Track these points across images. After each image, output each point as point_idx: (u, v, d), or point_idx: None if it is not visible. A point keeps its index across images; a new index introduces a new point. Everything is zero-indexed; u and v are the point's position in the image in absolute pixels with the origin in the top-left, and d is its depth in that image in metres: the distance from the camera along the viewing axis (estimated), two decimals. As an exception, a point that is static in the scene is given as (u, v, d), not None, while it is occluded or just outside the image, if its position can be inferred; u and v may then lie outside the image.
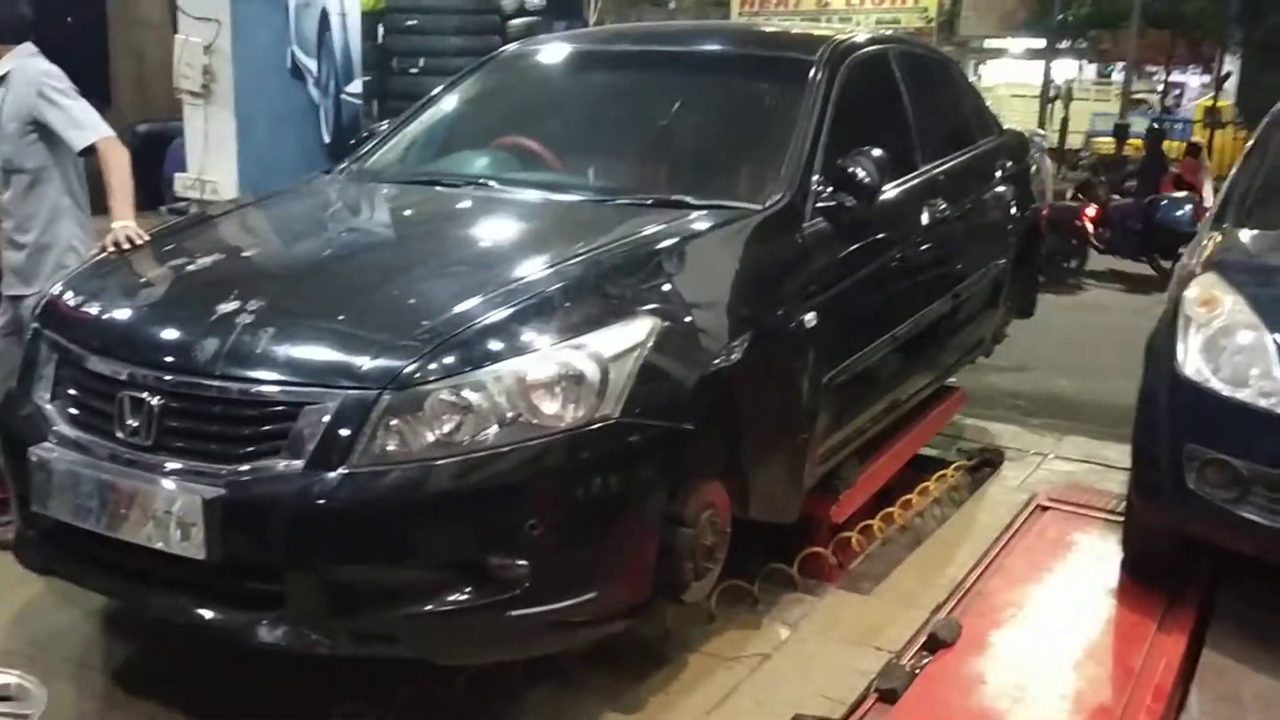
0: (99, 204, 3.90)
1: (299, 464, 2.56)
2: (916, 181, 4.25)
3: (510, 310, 2.77)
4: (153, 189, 5.19)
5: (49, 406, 2.93)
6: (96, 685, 3.17)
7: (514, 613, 2.60)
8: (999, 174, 5.09)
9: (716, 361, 2.97)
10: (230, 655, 2.78)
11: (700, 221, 3.32)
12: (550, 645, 2.88)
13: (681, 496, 2.90)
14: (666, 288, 3.03)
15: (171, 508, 2.58)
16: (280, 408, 2.62)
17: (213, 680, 3.15)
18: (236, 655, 2.68)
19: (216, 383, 2.67)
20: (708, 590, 3.19)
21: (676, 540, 2.87)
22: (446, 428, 2.57)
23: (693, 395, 2.86)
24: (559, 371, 2.66)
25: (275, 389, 2.64)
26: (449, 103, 4.39)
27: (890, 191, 3.82)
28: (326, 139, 5.24)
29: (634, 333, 2.79)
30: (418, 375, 2.60)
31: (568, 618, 2.69)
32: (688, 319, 2.98)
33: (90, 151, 3.86)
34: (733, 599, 3.53)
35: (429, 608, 2.57)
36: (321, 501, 2.53)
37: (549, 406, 2.63)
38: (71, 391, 2.93)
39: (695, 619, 3.42)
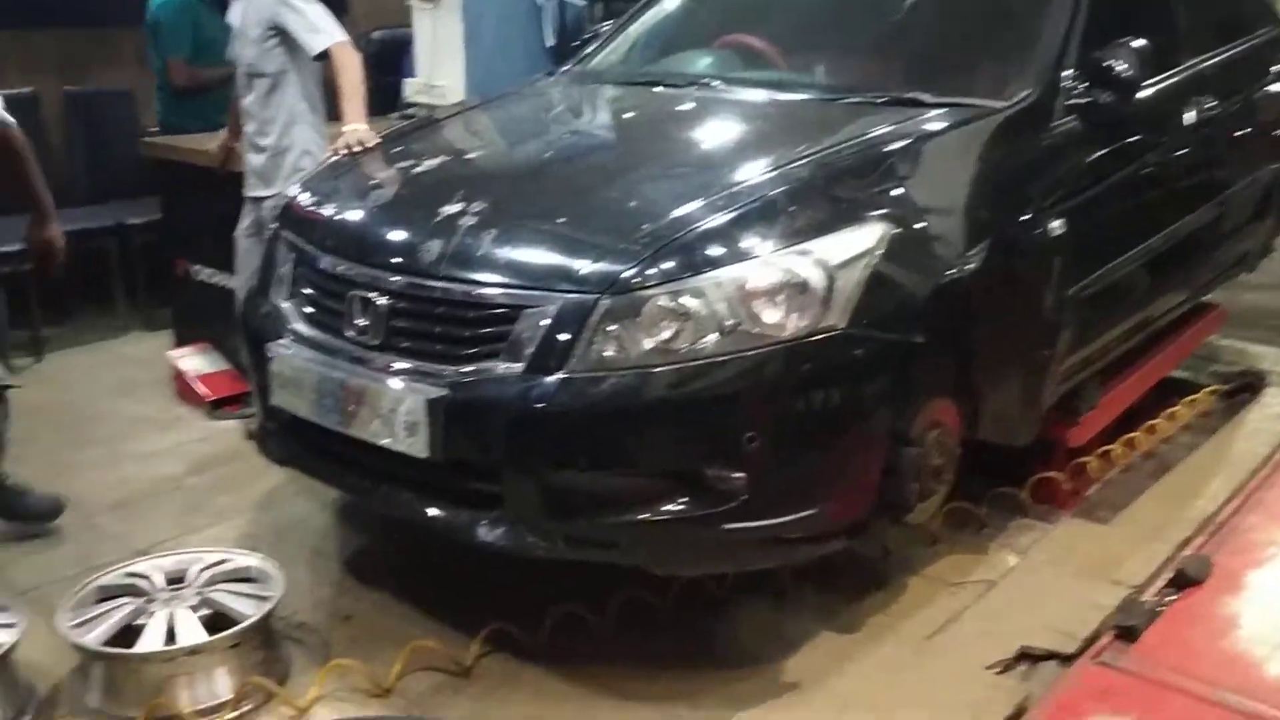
0: (335, 109, 3.99)
1: (518, 367, 2.55)
2: (1180, 77, 3.85)
3: (732, 214, 2.66)
4: (390, 94, 5.29)
5: (286, 305, 3.04)
6: (331, 573, 3.33)
7: (730, 526, 2.53)
8: (1274, 70, 4.56)
9: (951, 271, 2.78)
10: (455, 551, 2.83)
11: (937, 120, 3.10)
12: (765, 560, 2.82)
13: (909, 413, 2.75)
14: (899, 191, 2.85)
15: (398, 406, 2.63)
16: (500, 310, 2.61)
17: (437, 573, 3.25)
18: (461, 551, 2.73)
19: (440, 284, 2.68)
20: (932, 512, 3.04)
21: (902, 459, 2.73)
22: (664, 335, 2.50)
23: (925, 306, 2.70)
24: (782, 279, 2.54)
25: (496, 291, 2.63)
26: (671, 2, 4.26)
27: (1150, 88, 3.47)
28: (550, 41, 5.20)
29: (863, 239, 2.63)
30: (636, 280, 2.53)
31: (785, 534, 2.61)
32: (921, 225, 2.80)
33: (325, 56, 3.94)
34: (957, 522, 3.37)
35: (644, 516, 2.53)
36: (539, 405, 2.52)
37: (770, 315, 2.52)
38: (306, 291, 3.02)
39: (917, 541, 3.28)
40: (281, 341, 2.93)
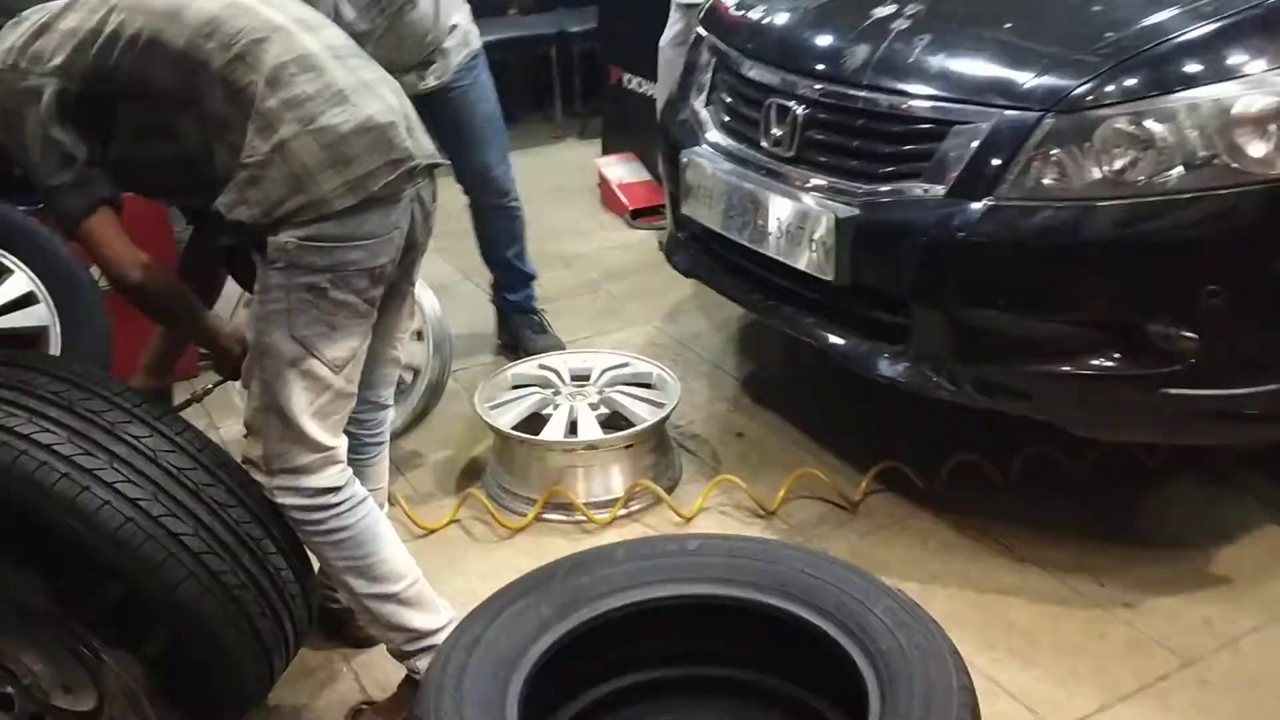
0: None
1: (940, 190, 2.31)
2: None
3: (1219, 23, 2.21)
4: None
5: (704, 112, 2.95)
6: (727, 389, 3.33)
7: (1171, 391, 2.19)
8: None
9: None
10: (853, 382, 2.70)
11: None
12: (1207, 436, 2.45)
13: None
14: None
15: (804, 224, 2.49)
16: (926, 125, 2.37)
17: (832, 403, 3.15)
18: (859, 383, 2.60)
19: (862, 93, 2.47)
20: None
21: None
22: (1118, 163, 2.16)
23: None
24: (1277, 105, 2.09)
25: (923, 104, 2.38)
26: None
27: None
28: None
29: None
30: (1090, 98, 2.18)
31: (1239, 408, 2.23)
32: None
33: None
34: None
35: (1067, 369, 2.25)
36: (959, 234, 2.27)
37: (1256, 148, 2.10)
38: (725, 97, 2.91)
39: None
40: (696, 149, 2.87)
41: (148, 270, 1.85)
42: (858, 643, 1.59)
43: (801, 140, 2.58)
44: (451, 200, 4.75)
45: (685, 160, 2.85)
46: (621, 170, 4.80)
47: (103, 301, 2.93)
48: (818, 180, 2.53)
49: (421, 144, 1.91)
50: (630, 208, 4.65)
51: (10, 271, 2.82)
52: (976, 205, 2.26)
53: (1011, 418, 2.45)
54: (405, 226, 1.90)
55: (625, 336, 3.64)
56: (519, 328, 3.52)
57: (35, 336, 2.84)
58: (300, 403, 1.84)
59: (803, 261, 2.52)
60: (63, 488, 1.71)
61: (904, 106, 2.41)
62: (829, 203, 2.46)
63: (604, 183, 4.83)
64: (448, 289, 4.02)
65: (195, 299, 2.00)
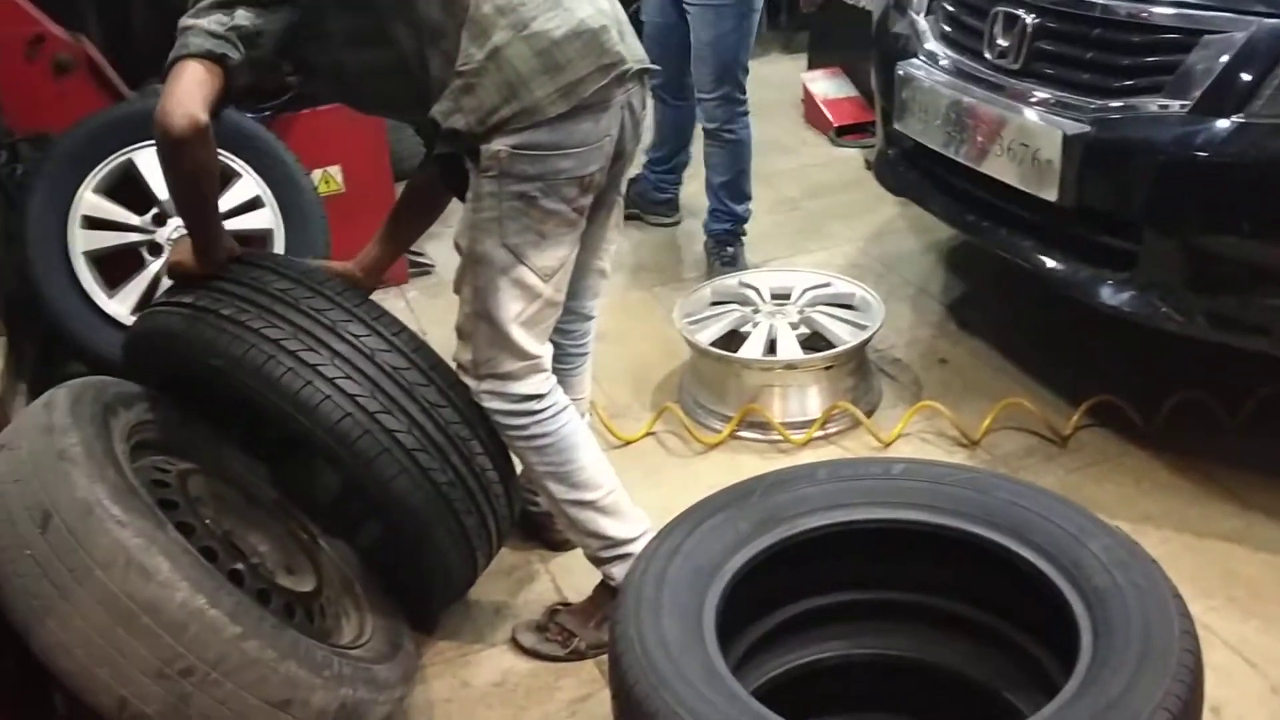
0: None
1: (1182, 106, 2.14)
2: None
3: None
4: None
5: (922, 22, 2.82)
6: (931, 313, 3.22)
7: None
8: None
9: None
10: (1069, 309, 2.57)
11: None
12: None
13: None
14: None
15: (1028, 140, 2.35)
16: (1171, 36, 2.19)
17: (1045, 331, 3.01)
18: (1075, 311, 2.47)
19: (1100, 0, 2.30)
20: None
21: None
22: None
23: None
24: None
25: (1169, 11, 2.20)
26: None
27: None
28: None
29: None
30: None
31: None
32: None
33: None
34: None
35: (1315, 304, 2.08)
36: (1202, 154, 2.11)
37: None
38: (946, 6, 2.77)
39: None
40: (913, 61, 2.74)
41: (194, 129, 1.71)
42: (1069, 579, 1.52)
43: (1029, 51, 2.43)
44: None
45: (901, 73, 2.74)
46: (827, 85, 4.67)
47: (322, 206, 3.06)
48: (1044, 94, 2.38)
49: (633, 48, 1.88)
50: (835, 124, 4.52)
51: (239, 176, 2.97)
52: (1224, 123, 2.08)
53: (1245, 354, 2.27)
54: (615, 134, 1.88)
55: (827, 257, 3.56)
56: (708, 254, 3.50)
57: (262, 238, 2.99)
58: (509, 310, 1.87)
59: (1024, 181, 2.39)
60: (288, 381, 1.80)
61: (1146, 14, 2.23)
62: (1056, 118, 2.31)
63: (808, 98, 4.71)
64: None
65: (213, 197, 1.90)
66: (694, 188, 3.80)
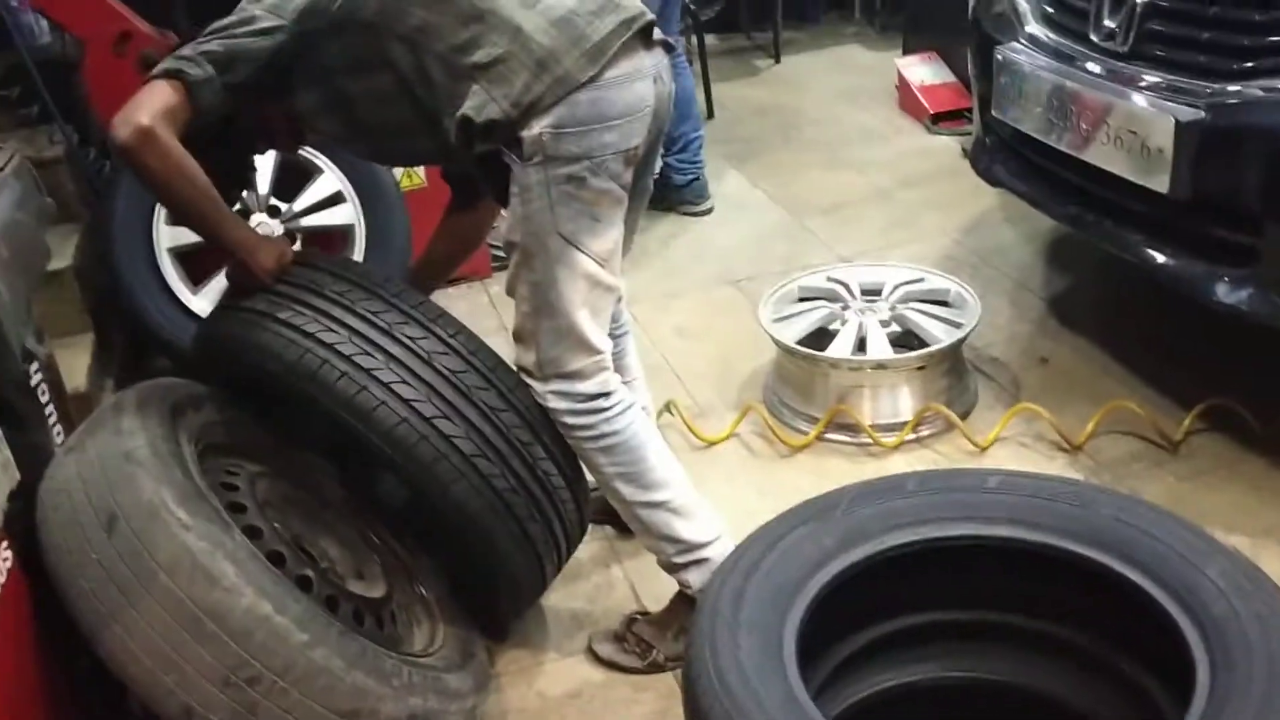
0: None
1: (1308, 89, 1.98)
2: None
3: None
4: None
5: (1023, 2, 2.67)
6: (1031, 309, 3.07)
7: None
8: None
9: None
10: (1181, 307, 2.42)
11: None
12: None
13: None
14: None
15: (1137, 127, 2.21)
16: (1299, 12, 2.03)
17: (1153, 330, 2.85)
18: (1188, 309, 2.31)
19: (1220, -24, 2.15)
20: None
21: None
22: None
23: None
24: None
25: (1296, -14, 2.04)
26: None
27: None
28: None
29: None
30: None
31: None
32: None
33: None
34: None
35: None
36: (1331, 141, 1.95)
37: None
38: (1051, -14, 2.62)
39: None
40: (1014, 44, 2.60)
41: (138, 135, 1.69)
42: (1182, 605, 1.40)
43: (1139, 32, 2.28)
44: (740, 121, 4.66)
45: (1000, 57, 2.60)
46: (923, 71, 4.51)
47: (404, 202, 3.03)
48: (1155, 78, 2.23)
49: (644, 6, 1.85)
50: (931, 111, 4.36)
51: (321, 171, 2.95)
52: (1356, 107, 1.92)
53: None
54: (653, 104, 1.83)
55: (920, 249, 3.43)
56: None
57: (343, 234, 2.98)
58: (572, 301, 1.82)
59: (1133, 171, 2.24)
60: (343, 386, 1.76)
61: (1271, -10, 2.08)
62: (1169, 104, 2.16)
63: (903, 84, 4.56)
64: (737, 198, 3.94)
65: (218, 202, 1.84)
66: (734, 183, 3.78)
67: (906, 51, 4.75)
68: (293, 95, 1.89)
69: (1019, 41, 2.60)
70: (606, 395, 1.89)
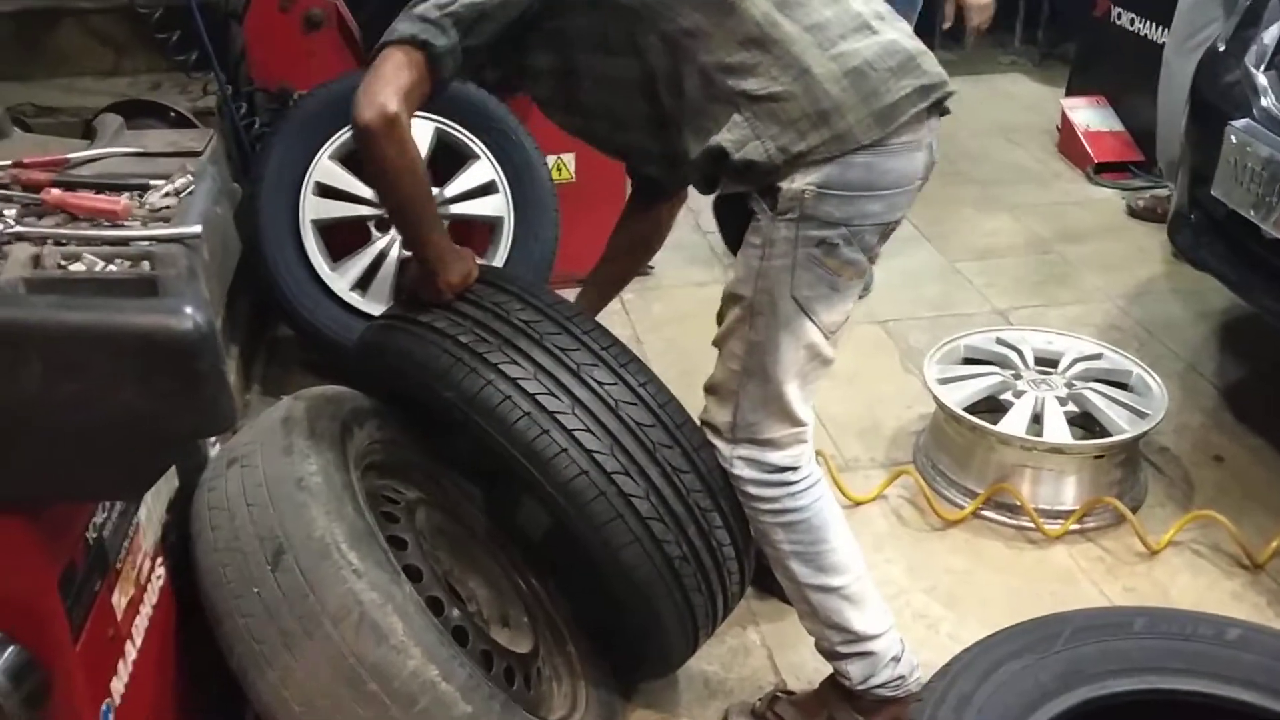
0: None
1: None
2: None
3: None
4: None
5: (1261, 77, 2.46)
6: (1202, 395, 2.87)
7: None
8: None
9: None
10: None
11: None
12: None
13: None
14: None
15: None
16: None
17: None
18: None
19: None
20: None
21: None
22: None
23: None
24: None
25: None
26: None
27: None
28: None
29: None
30: None
31: None
32: None
33: None
34: None
35: None
36: None
37: None
38: (1291, 61, 2.41)
39: None
40: (1246, 122, 2.39)
41: (381, 119, 1.53)
42: None
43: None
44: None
45: (1232, 137, 2.39)
46: (1090, 115, 4.27)
47: (556, 199, 2.89)
48: None
49: (944, 73, 1.67)
50: (1095, 160, 4.13)
51: (478, 158, 2.82)
52: None
53: None
54: (924, 176, 1.67)
55: (1081, 312, 3.23)
56: None
57: (490, 226, 2.85)
58: (788, 369, 1.67)
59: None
60: (522, 427, 1.61)
61: None
62: None
63: (1066, 126, 4.32)
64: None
65: (434, 206, 1.72)
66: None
67: (1071, 91, 4.50)
68: (523, 57, 1.70)
69: (1253, 118, 2.39)
70: (796, 469, 1.74)
